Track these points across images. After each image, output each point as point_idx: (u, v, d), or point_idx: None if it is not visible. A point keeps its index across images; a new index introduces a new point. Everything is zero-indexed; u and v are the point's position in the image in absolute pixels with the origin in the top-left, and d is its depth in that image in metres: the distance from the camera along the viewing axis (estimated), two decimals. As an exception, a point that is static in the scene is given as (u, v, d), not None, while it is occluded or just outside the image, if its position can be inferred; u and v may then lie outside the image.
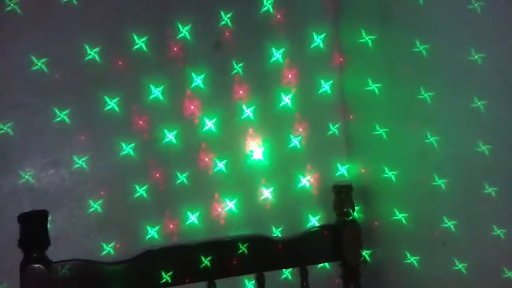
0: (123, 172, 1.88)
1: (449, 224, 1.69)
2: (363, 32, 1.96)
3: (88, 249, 1.81)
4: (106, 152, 1.86)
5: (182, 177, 1.93)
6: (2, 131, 1.74)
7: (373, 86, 1.95)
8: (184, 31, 1.94)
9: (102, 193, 1.84)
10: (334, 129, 2.12)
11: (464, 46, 1.56)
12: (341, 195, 1.99)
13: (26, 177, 1.77)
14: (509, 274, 1.51)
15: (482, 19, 1.51)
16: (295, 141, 2.07)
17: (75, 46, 1.81)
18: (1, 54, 1.75)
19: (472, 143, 1.57)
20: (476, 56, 1.53)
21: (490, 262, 1.56)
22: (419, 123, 1.78)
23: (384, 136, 1.94)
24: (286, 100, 2.07)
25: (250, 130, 2.03)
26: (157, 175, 1.91)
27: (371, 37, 1.94)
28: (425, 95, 1.73)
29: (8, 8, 1.74)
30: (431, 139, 1.73)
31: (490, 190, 1.54)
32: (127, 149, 1.87)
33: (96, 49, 1.82)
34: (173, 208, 1.93)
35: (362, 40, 1.96)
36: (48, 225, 1.66)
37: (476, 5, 1.51)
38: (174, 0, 1.94)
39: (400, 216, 1.89)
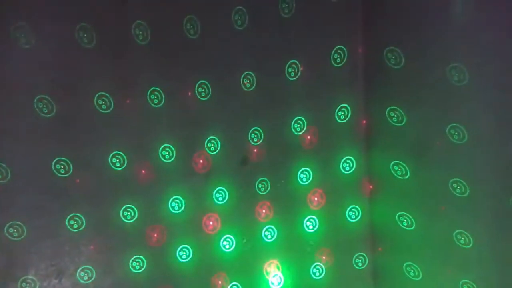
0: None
1: None
2: (394, 162, 1.87)
3: None
4: (115, 266, 1.75)
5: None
6: (15, 233, 1.66)
7: (405, 220, 1.83)
8: (210, 145, 1.90)
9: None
10: (360, 260, 1.97)
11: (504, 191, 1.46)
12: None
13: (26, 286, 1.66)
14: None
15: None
16: (318, 270, 1.93)
17: (100, 153, 1.78)
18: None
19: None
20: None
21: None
22: (455, 268, 1.63)
23: (416, 277, 1.77)
24: (310, 225, 1.95)
25: (270, 254, 1.90)
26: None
27: (403, 169, 1.85)
28: (462, 238, 1.60)
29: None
30: (469, 288, 1.57)
31: None
32: (137, 265, 1.76)
33: (121, 157, 1.79)
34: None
35: (394, 171, 1.88)
36: None
37: None
38: (205, 116, 1.92)
39: None
